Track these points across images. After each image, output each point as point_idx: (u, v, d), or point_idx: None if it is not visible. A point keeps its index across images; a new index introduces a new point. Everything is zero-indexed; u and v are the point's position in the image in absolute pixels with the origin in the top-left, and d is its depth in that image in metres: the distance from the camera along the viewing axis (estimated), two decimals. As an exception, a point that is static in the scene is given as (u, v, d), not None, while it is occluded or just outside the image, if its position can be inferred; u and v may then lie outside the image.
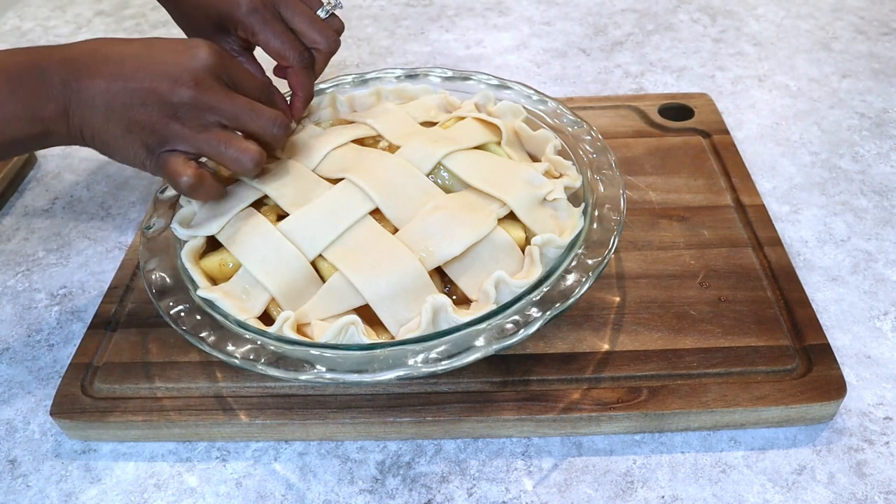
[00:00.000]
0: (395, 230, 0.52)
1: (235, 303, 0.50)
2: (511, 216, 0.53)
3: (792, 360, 0.52)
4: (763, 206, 0.65)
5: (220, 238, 0.53)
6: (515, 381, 0.53)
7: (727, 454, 0.50)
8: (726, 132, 0.75)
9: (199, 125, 0.49)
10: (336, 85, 0.68)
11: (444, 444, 0.52)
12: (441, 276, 0.51)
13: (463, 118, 0.60)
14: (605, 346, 0.54)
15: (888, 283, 0.61)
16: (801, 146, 0.77)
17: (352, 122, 0.62)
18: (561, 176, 0.57)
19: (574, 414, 0.50)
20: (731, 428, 0.51)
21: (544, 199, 0.54)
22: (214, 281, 0.53)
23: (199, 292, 0.50)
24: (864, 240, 0.65)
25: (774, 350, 0.53)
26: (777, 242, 0.62)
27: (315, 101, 0.65)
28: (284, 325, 0.47)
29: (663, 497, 0.48)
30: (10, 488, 0.51)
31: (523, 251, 0.51)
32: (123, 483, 0.51)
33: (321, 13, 0.61)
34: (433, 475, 0.50)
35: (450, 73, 0.67)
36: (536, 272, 0.49)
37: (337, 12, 0.62)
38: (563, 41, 0.98)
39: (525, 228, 0.53)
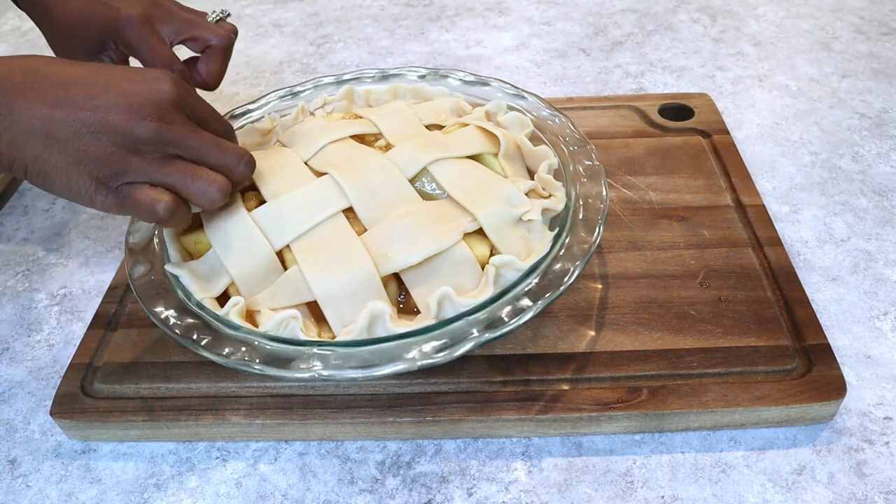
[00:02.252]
0: (365, 231, 0.51)
1: (198, 282, 0.51)
2: (481, 232, 0.52)
3: (792, 360, 0.52)
4: (763, 206, 0.65)
5: (202, 217, 0.53)
6: (515, 381, 0.53)
7: (727, 454, 0.50)
8: (726, 132, 0.75)
9: (161, 158, 0.46)
10: (357, 78, 0.68)
11: (444, 444, 0.52)
12: (400, 282, 0.51)
13: (466, 125, 0.59)
14: (605, 347, 0.54)
15: (888, 283, 0.61)
16: (801, 146, 0.77)
17: (360, 118, 0.62)
18: (549, 196, 0.55)
19: (574, 414, 0.50)
20: (731, 428, 0.51)
21: (520, 218, 0.52)
22: (192, 257, 0.54)
23: (167, 266, 0.51)
24: (864, 240, 0.65)
25: (774, 350, 0.53)
26: (777, 242, 0.62)
27: (331, 92, 0.67)
28: (232, 309, 0.48)
29: (663, 497, 0.48)
30: (10, 488, 0.51)
31: None
32: (123, 483, 0.51)
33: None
34: (433, 475, 0.50)
35: (471, 78, 0.67)
36: (487, 293, 0.48)
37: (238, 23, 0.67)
38: (563, 41, 0.98)
39: (493, 246, 0.52)
